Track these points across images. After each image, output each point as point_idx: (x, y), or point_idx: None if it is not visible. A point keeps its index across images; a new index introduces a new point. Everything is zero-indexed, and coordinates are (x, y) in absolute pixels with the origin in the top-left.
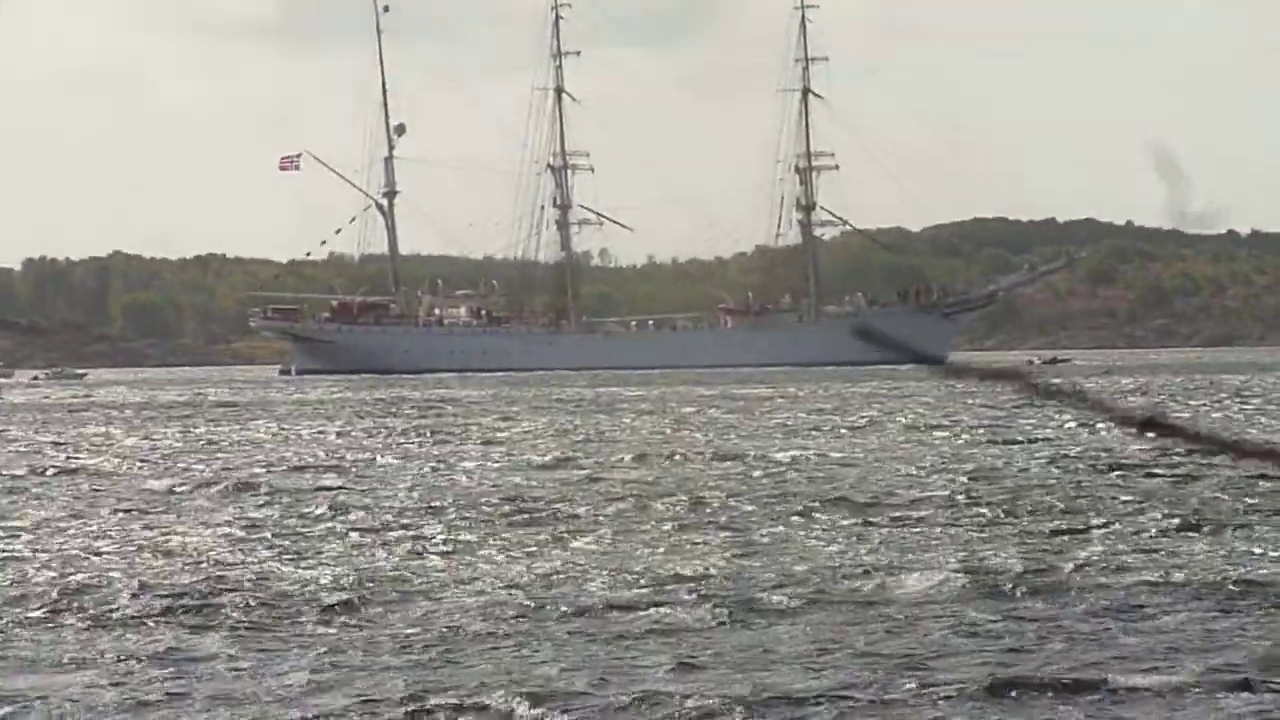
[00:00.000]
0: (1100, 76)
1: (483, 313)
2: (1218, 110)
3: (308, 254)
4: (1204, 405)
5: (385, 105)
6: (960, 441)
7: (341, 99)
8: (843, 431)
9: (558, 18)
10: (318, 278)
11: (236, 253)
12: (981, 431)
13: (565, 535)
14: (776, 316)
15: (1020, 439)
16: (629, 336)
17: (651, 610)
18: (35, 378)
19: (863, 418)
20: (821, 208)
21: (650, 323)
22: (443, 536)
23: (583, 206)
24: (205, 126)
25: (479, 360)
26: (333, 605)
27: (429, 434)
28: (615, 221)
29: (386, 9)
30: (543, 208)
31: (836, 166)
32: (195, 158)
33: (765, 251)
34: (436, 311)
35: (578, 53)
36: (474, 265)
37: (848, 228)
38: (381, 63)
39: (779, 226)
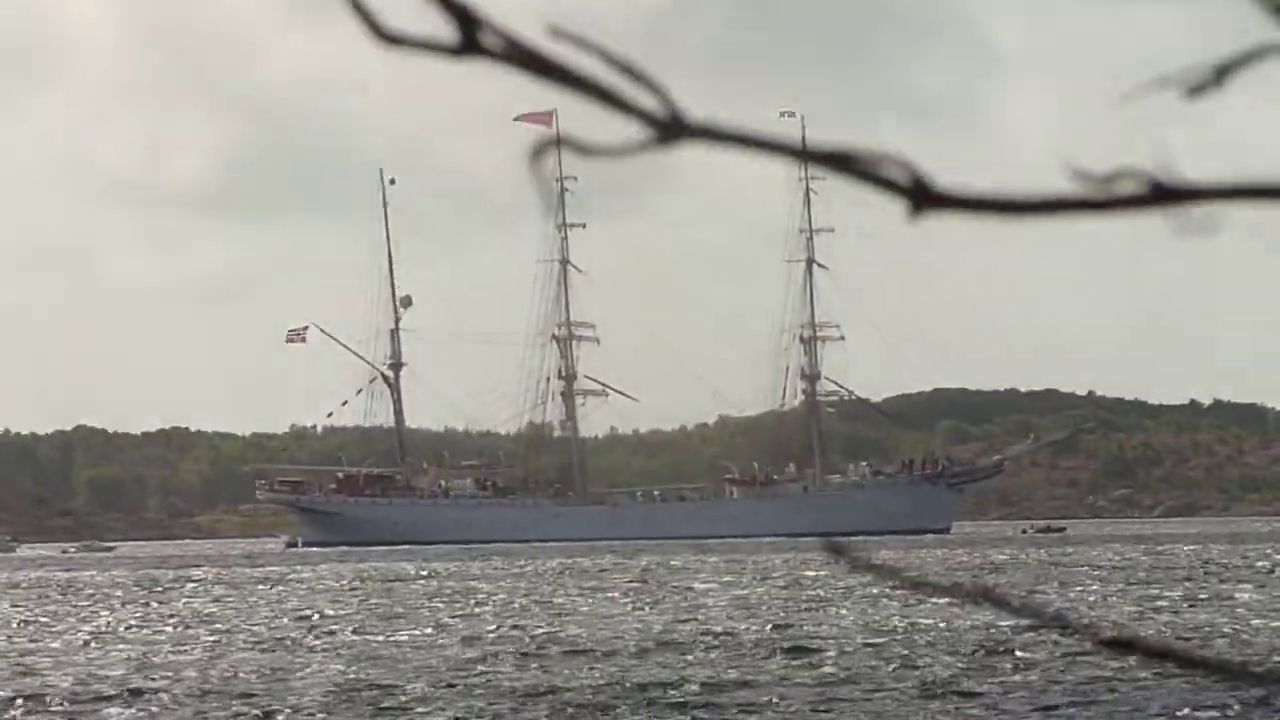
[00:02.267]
0: (1074, 251)
1: (488, 484)
2: (1177, 282)
3: (313, 425)
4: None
5: (391, 278)
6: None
7: (300, 269)
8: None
9: (563, 189)
10: (321, 449)
11: (199, 426)
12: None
13: None
14: (782, 487)
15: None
16: (635, 507)
17: None
18: (64, 550)
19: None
20: (826, 378)
21: (656, 493)
22: None
23: (588, 377)
24: (160, 300)
25: (485, 532)
26: None
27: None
28: (621, 392)
29: (393, 182)
30: (548, 379)
31: (841, 337)
32: (153, 332)
33: (770, 417)
34: (442, 483)
35: (583, 225)
36: (479, 436)
37: (852, 397)
38: (388, 236)
39: (784, 396)
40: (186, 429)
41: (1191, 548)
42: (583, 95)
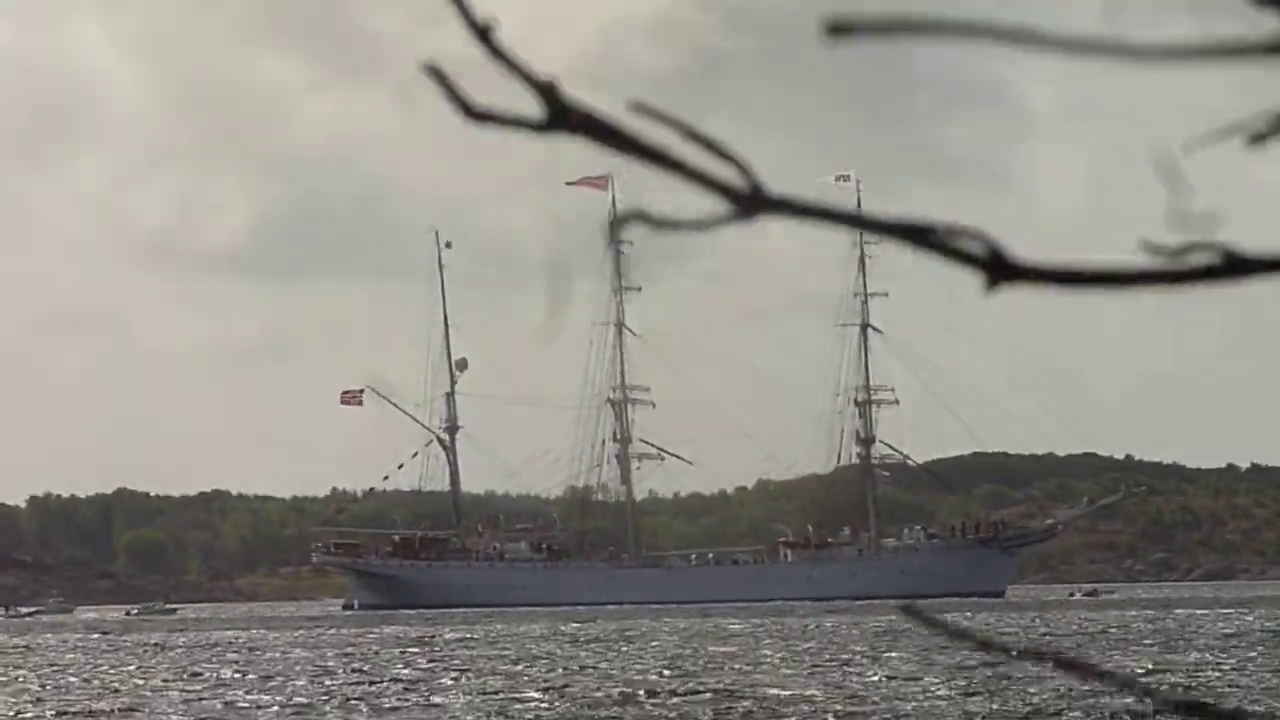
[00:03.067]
0: (1111, 313)
1: (543, 546)
2: (1215, 345)
3: (370, 489)
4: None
5: (447, 340)
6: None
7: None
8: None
9: (619, 253)
10: (361, 514)
11: (239, 489)
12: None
13: None
14: (836, 550)
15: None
16: (690, 570)
17: None
18: (128, 613)
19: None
20: (881, 441)
21: (711, 556)
22: None
23: (643, 441)
24: (197, 363)
25: (540, 595)
26: None
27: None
28: (676, 455)
29: (449, 245)
30: (603, 442)
31: (896, 401)
32: (191, 394)
33: (810, 480)
34: (497, 545)
35: (639, 288)
36: (534, 500)
37: (907, 461)
38: (444, 298)
39: (838, 460)
40: (227, 492)
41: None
42: (664, 169)
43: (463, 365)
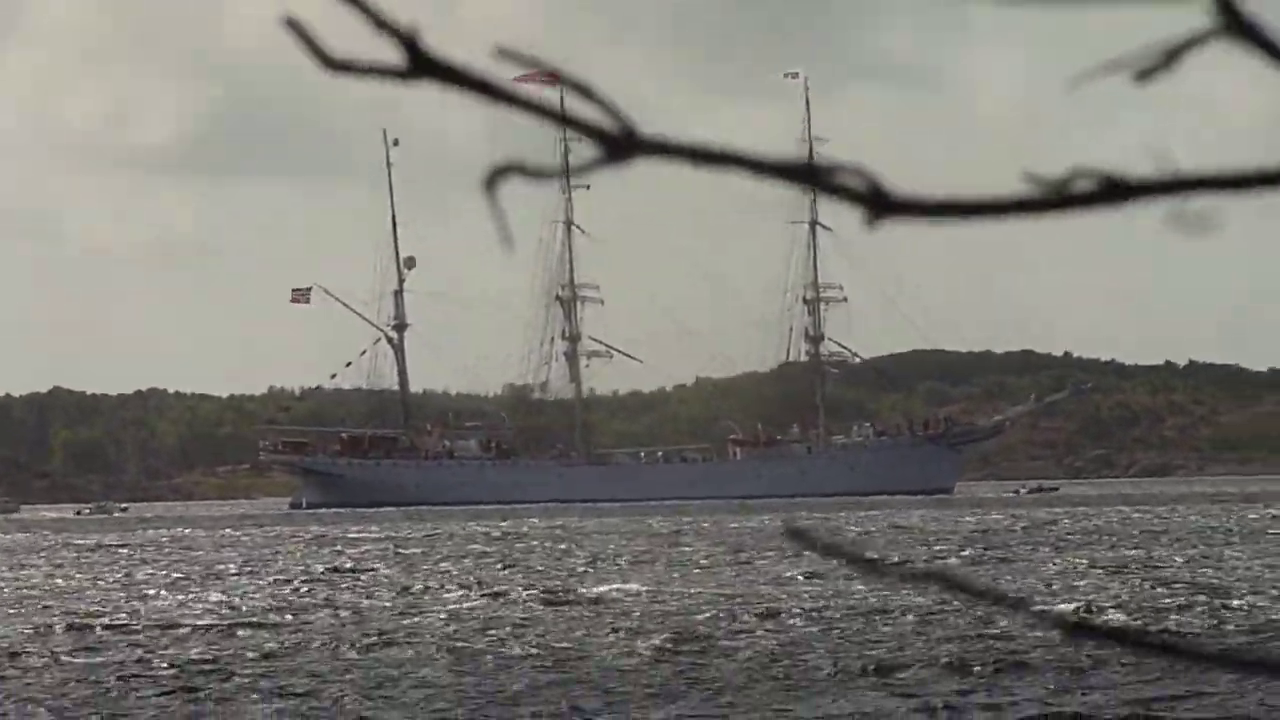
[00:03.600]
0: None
1: (492, 445)
2: (1152, 243)
3: (317, 386)
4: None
5: (395, 239)
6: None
7: (267, 229)
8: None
9: (566, 150)
10: (316, 411)
11: (176, 387)
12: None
13: None
14: (785, 447)
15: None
16: (638, 468)
17: None
18: (78, 512)
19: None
20: (830, 339)
21: (660, 454)
22: None
23: (592, 339)
24: (132, 263)
25: (489, 493)
26: None
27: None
28: (625, 353)
29: (396, 143)
30: (552, 340)
31: (845, 299)
32: (127, 294)
33: (764, 377)
34: (446, 444)
35: (587, 186)
36: (483, 398)
37: (856, 359)
38: (391, 197)
39: (787, 357)
40: (164, 390)
41: (1171, 509)
42: (533, 116)
43: (411, 263)
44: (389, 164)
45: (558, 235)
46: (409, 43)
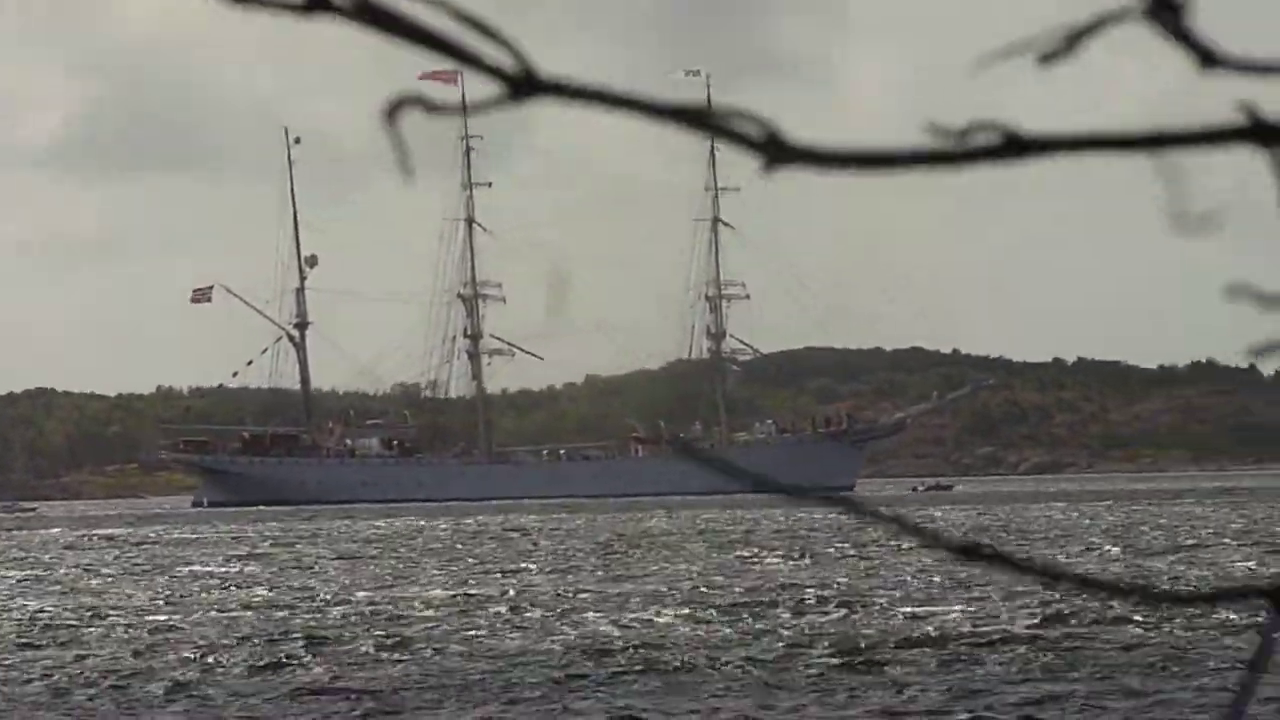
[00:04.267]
0: (939, 210)
1: (394, 443)
2: (1040, 240)
3: (219, 385)
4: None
5: (297, 236)
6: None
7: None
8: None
9: (468, 149)
10: (223, 409)
11: (65, 387)
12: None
13: None
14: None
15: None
16: (540, 466)
17: None
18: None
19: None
20: (732, 335)
21: (562, 452)
22: None
23: (494, 337)
24: (20, 261)
25: (391, 491)
26: None
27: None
28: (526, 351)
29: (298, 141)
30: (454, 338)
31: (747, 296)
32: (15, 293)
33: (639, 376)
34: (348, 442)
35: (489, 184)
36: (385, 396)
37: (758, 355)
38: (293, 194)
39: (689, 354)
40: (52, 389)
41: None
42: (436, 53)
43: (312, 261)
44: (290, 162)
45: (459, 233)
46: None
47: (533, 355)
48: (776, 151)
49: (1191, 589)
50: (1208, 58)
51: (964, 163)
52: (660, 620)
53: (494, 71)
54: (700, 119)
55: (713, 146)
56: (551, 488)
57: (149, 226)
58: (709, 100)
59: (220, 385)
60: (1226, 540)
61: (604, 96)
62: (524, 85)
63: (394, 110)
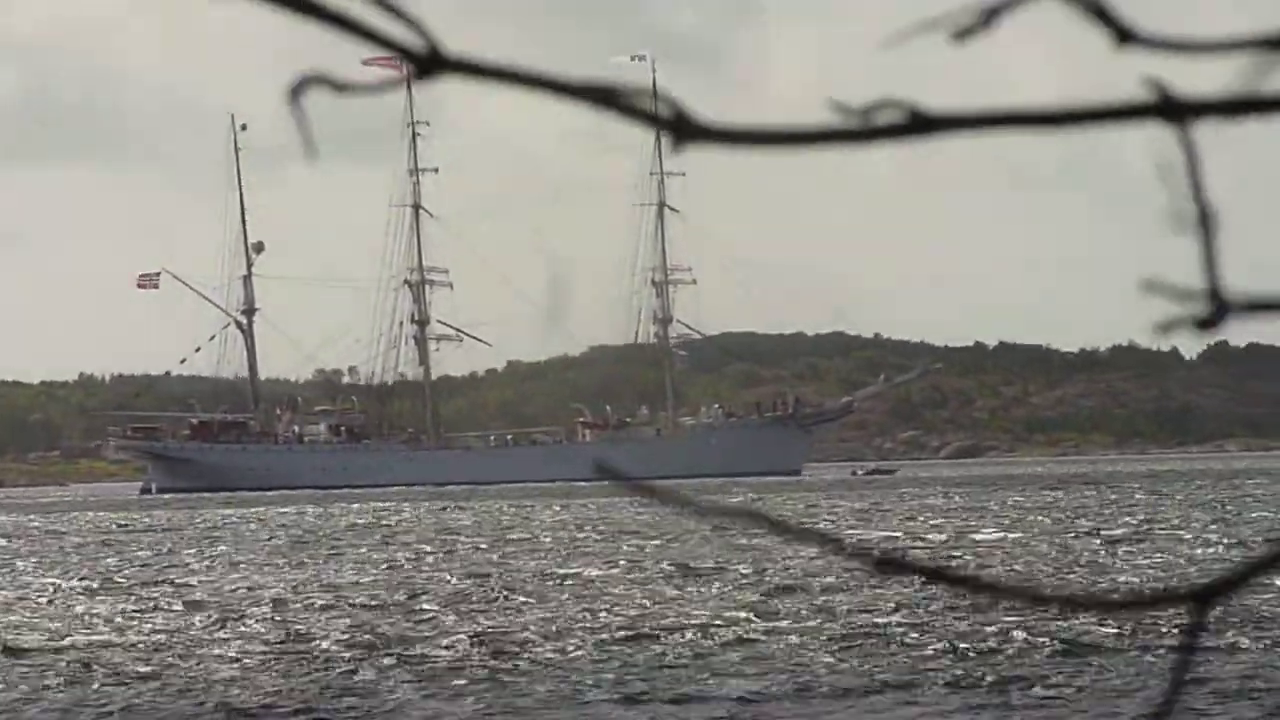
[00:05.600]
0: (859, 195)
1: (342, 429)
2: (961, 223)
3: (167, 372)
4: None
5: (244, 223)
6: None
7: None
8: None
9: (414, 135)
10: (172, 396)
11: None
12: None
13: None
14: (634, 430)
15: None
16: (487, 452)
17: None
18: None
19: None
20: (678, 321)
21: (509, 437)
22: None
23: (441, 322)
24: None
25: (339, 477)
26: None
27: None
28: (474, 337)
29: (244, 128)
30: (401, 324)
31: (694, 281)
32: None
33: (620, 351)
34: (296, 429)
35: (435, 169)
36: (333, 382)
37: (702, 338)
38: (239, 181)
39: (636, 339)
40: None
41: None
42: (341, 31)
43: (259, 248)
44: (236, 149)
45: (405, 219)
46: None
47: (480, 341)
48: (684, 130)
49: (1115, 596)
50: (1124, 35)
51: (870, 140)
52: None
53: (401, 50)
54: (608, 98)
55: (658, 132)
56: (499, 473)
57: (59, 216)
58: (611, 80)
59: (168, 373)
60: (1156, 529)
61: (510, 75)
62: (431, 63)
63: (298, 90)
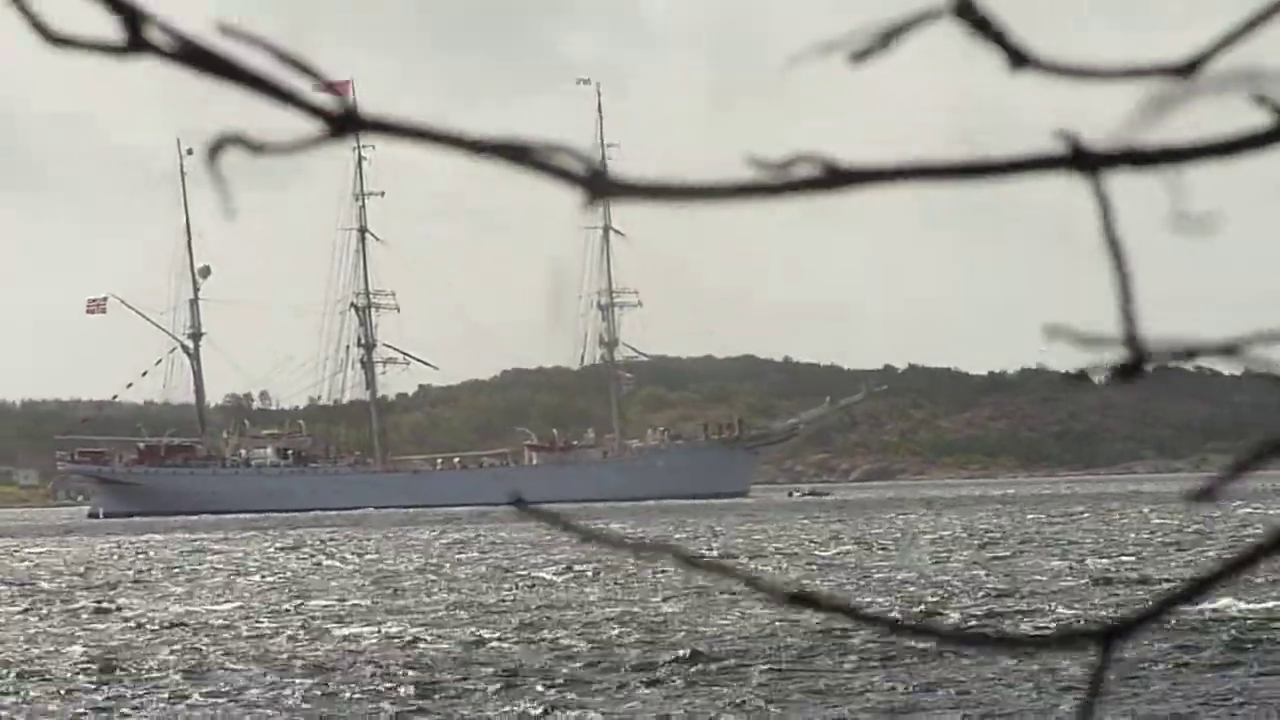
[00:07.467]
0: (768, 222)
1: (289, 453)
2: (868, 250)
3: (114, 397)
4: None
5: (190, 248)
6: None
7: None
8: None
9: (360, 159)
10: (120, 420)
11: None
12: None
13: None
14: (580, 452)
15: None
16: (434, 474)
17: None
18: None
19: None
20: (624, 344)
21: (456, 460)
22: None
23: (387, 345)
24: None
25: (286, 500)
26: None
27: None
28: (420, 360)
29: (190, 152)
30: (348, 348)
31: (639, 303)
32: None
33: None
34: (243, 452)
35: (381, 193)
36: (279, 410)
37: (647, 359)
38: (186, 207)
39: (582, 362)
40: None
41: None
42: (255, 92)
43: (206, 272)
44: (183, 173)
45: (351, 243)
46: (130, 15)
47: (426, 364)
48: (598, 186)
49: (1021, 633)
50: (1019, 58)
51: (785, 194)
52: None
53: (315, 110)
54: (522, 156)
55: (603, 153)
56: (445, 495)
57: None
58: (524, 138)
59: (115, 398)
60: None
61: (425, 134)
62: (345, 122)
63: (215, 151)
